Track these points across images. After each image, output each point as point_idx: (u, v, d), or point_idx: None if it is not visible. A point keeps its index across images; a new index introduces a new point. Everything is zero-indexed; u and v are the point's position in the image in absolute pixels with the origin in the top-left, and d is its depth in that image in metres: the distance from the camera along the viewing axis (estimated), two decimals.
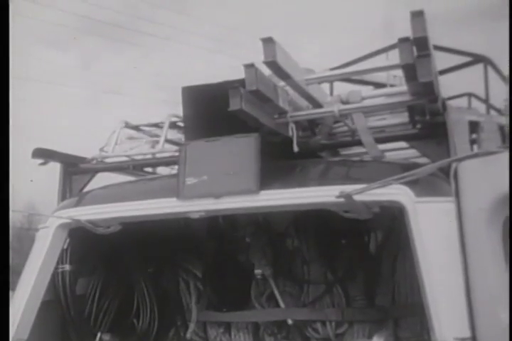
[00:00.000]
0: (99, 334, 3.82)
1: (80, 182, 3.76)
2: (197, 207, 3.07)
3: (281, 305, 4.09)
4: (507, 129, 2.94)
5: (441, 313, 2.57)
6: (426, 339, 3.71)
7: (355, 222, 3.50)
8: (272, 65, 2.57)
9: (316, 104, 3.05)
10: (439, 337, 2.56)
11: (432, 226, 2.67)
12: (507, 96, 3.45)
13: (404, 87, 2.87)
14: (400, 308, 3.90)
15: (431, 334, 2.67)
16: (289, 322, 4.02)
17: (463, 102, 5.28)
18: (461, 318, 2.51)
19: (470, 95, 5.42)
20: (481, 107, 5.15)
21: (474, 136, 3.05)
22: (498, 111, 4.90)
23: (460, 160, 2.56)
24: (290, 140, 3.03)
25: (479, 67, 5.39)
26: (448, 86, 2.95)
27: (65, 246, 3.60)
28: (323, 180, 3.05)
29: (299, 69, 2.82)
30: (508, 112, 2.78)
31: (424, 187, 2.74)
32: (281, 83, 2.91)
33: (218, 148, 3.08)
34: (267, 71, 2.75)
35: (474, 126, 3.00)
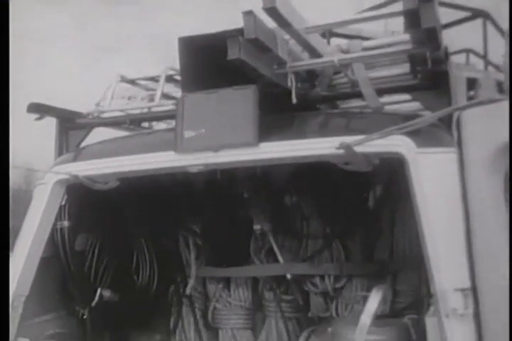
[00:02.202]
0: (99, 290, 3.83)
1: (77, 138, 3.72)
2: (195, 160, 3.04)
3: (280, 260, 4.10)
4: (506, 85, 2.89)
5: (441, 264, 2.57)
6: (424, 292, 3.74)
7: (355, 175, 3.49)
8: (272, 11, 2.50)
9: (315, 54, 2.99)
10: (439, 288, 2.56)
11: (433, 177, 2.64)
12: (506, 51, 3.38)
13: (405, 36, 2.81)
14: (399, 262, 3.91)
15: (430, 285, 2.68)
16: (288, 276, 4.04)
17: (461, 58, 5.20)
18: (461, 269, 2.51)
19: (468, 51, 5.34)
20: (480, 63, 5.08)
21: (472, 92, 3.01)
22: (497, 67, 4.83)
23: (462, 108, 2.52)
24: (289, 92, 2.98)
25: (478, 23, 5.30)
26: (446, 42, 2.88)
27: (63, 203, 3.58)
28: (323, 131, 3.02)
29: (299, 17, 2.75)
30: (506, 68, 2.73)
31: (425, 137, 2.71)
32: (281, 33, 2.85)
33: (216, 100, 3.02)
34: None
35: (472, 83, 2.96)
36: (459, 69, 2.97)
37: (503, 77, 2.93)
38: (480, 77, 2.98)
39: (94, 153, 3.46)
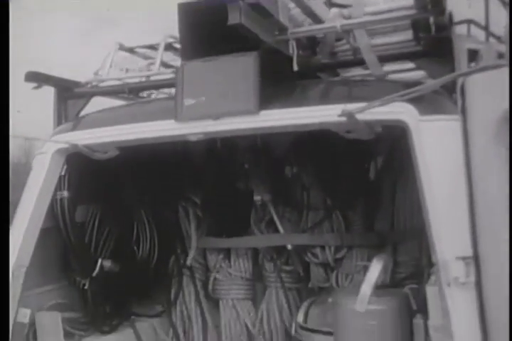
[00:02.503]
0: (99, 261, 3.82)
1: (76, 108, 3.68)
2: (195, 129, 3.01)
3: (281, 230, 4.09)
4: (506, 51, 2.83)
5: (443, 233, 2.55)
6: (424, 263, 3.74)
7: (356, 146, 3.46)
8: None
9: (317, 20, 2.94)
10: (440, 257, 2.55)
11: (436, 145, 2.61)
12: (507, 22, 3.32)
13: (409, 1, 2.76)
14: (399, 233, 3.91)
15: (432, 254, 2.66)
16: (289, 247, 4.04)
17: (462, 29, 5.12)
18: (463, 237, 2.49)
19: (470, 22, 5.25)
20: (481, 35, 5.01)
21: (473, 64, 2.96)
22: (498, 38, 4.76)
23: (466, 74, 2.48)
24: (290, 59, 2.94)
25: None
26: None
27: (63, 173, 3.56)
28: (325, 99, 2.97)
29: None
30: (507, 39, 2.67)
31: (428, 105, 2.67)
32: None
33: (216, 67, 2.98)
34: None
35: (474, 55, 2.91)
36: (461, 40, 2.92)
37: (505, 48, 2.88)
38: (481, 48, 2.93)
39: (93, 122, 3.42)
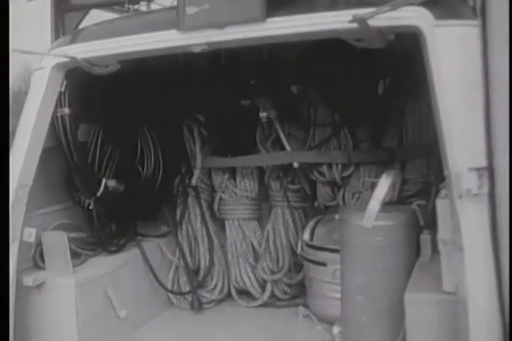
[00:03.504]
0: (103, 180, 3.78)
1: (73, 21, 3.53)
2: (199, 39, 2.87)
3: (287, 148, 4.03)
4: None
5: (457, 143, 2.47)
6: (432, 180, 3.70)
7: (365, 60, 3.34)
8: None
9: None
10: (453, 169, 2.47)
11: (452, 53, 2.48)
12: None
13: None
14: (408, 150, 3.85)
15: (444, 166, 2.60)
16: (295, 165, 3.99)
17: None
18: (477, 147, 2.39)
19: None
20: None
21: None
22: None
23: None
24: None
25: None
26: None
27: (63, 89, 3.44)
28: (335, 5, 2.81)
29: None
30: None
31: (444, 9, 2.53)
32: None
33: None
34: None
35: None
36: None
37: None
38: None
39: (92, 35, 3.27)
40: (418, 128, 3.83)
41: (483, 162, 2.39)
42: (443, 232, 2.74)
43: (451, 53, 2.49)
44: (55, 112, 3.42)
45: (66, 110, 3.49)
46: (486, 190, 2.39)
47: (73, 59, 3.14)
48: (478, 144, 2.39)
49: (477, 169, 2.40)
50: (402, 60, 3.63)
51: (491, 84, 2.39)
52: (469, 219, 2.43)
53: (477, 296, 2.31)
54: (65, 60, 3.18)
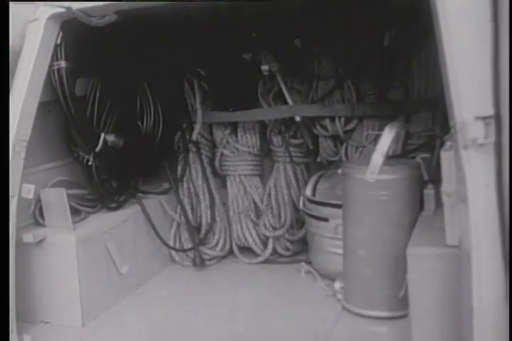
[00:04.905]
0: (102, 135, 3.71)
1: None
2: None
3: (290, 102, 3.95)
4: None
5: (463, 90, 2.38)
6: (437, 133, 3.63)
7: (371, 10, 3.24)
8: None
9: None
10: (458, 118, 2.38)
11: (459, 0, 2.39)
12: None
13: None
14: (413, 103, 3.76)
15: (449, 116, 2.52)
16: (297, 119, 3.92)
17: None
18: (484, 96, 2.32)
19: None
20: None
21: None
22: None
23: None
24: None
25: None
26: None
27: (59, 42, 3.35)
28: None
29: None
30: None
31: None
32: None
33: None
34: None
35: None
36: None
37: None
38: None
39: None
40: (424, 79, 3.73)
41: (490, 110, 2.31)
42: (447, 185, 2.67)
43: (459, 1, 2.39)
44: (51, 65, 3.34)
45: (62, 63, 3.40)
46: (492, 139, 2.32)
47: (69, 9, 3.05)
48: (485, 92, 2.31)
49: (484, 118, 2.32)
50: (409, 9, 3.51)
51: (500, 31, 2.30)
52: (475, 170, 2.36)
53: (481, 249, 2.27)
54: (60, 10, 3.09)
